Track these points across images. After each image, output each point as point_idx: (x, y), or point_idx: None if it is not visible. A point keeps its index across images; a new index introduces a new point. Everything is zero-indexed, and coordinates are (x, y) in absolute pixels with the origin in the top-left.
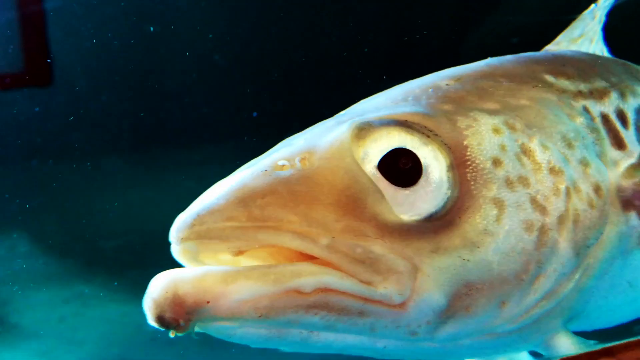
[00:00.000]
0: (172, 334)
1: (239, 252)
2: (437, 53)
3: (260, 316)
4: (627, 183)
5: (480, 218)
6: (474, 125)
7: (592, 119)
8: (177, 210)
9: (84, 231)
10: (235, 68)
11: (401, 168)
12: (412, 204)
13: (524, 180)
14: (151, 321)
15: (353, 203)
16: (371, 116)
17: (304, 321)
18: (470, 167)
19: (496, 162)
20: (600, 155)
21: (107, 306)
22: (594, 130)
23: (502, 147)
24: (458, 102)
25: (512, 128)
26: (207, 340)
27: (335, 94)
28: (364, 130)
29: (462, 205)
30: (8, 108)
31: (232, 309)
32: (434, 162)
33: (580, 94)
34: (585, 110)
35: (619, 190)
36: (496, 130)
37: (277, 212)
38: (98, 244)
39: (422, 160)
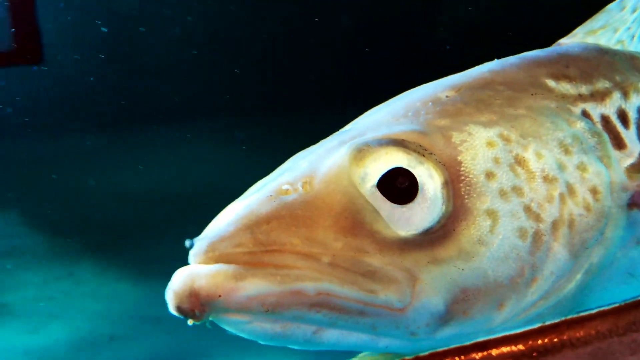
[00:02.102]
0: (190, 322)
1: None
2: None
3: (266, 310)
4: (629, 182)
5: (474, 229)
6: (468, 140)
7: (593, 123)
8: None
9: (75, 210)
10: (219, 47)
11: (398, 186)
12: (408, 220)
13: (517, 190)
14: (171, 310)
15: (351, 223)
16: (371, 135)
17: (308, 317)
18: (464, 182)
19: (489, 175)
20: (602, 158)
21: (97, 285)
22: (595, 134)
23: (496, 160)
24: (455, 116)
25: (506, 140)
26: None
27: (314, 73)
28: (362, 151)
29: (457, 218)
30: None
31: (241, 303)
32: (429, 180)
33: (580, 98)
34: (585, 114)
35: (622, 190)
36: (490, 144)
37: (280, 236)
38: (88, 223)
39: (418, 179)
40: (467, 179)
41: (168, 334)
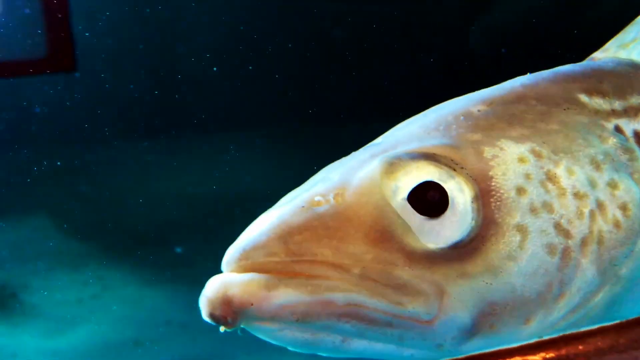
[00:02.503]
0: (221, 329)
1: None
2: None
3: (297, 319)
4: None
5: (503, 244)
6: (500, 155)
7: (625, 139)
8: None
9: (106, 215)
10: (259, 56)
11: (429, 200)
12: (438, 233)
13: (547, 206)
14: (205, 316)
15: (381, 235)
16: (402, 149)
17: (337, 327)
18: (495, 197)
19: (520, 191)
20: (633, 174)
21: (124, 289)
22: (627, 150)
23: (527, 176)
24: (487, 131)
25: (538, 156)
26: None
27: (346, 84)
28: (394, 165)
29: (487, 232)
30: (33, 94)
31: (272, 312)
32: (459, 194)
33: (613, 113)
34: (618, 129)
35: None
36: (521, 160)
37: (312, 247)
38: (119, 228)
39: (449, 193)
40: (498, 194)
41: (193, 340)
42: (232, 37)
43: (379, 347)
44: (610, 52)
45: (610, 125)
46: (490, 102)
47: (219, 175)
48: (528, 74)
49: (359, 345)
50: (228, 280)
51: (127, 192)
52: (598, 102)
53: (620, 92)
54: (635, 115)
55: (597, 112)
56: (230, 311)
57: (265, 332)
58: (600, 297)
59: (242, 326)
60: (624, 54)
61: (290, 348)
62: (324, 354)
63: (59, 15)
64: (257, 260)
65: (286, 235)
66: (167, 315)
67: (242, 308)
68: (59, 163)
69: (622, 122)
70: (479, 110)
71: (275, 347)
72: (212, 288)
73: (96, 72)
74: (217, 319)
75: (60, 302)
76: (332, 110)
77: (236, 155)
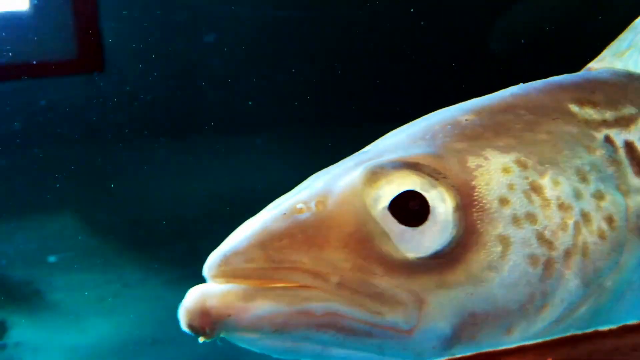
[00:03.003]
0: (200, 340)
1: None
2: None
3: (275, 330)
4: None
5: (484, 255)
6: (483, 164)
7: (614, 150)
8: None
9: (130, 214)
10: (282, 57)
11: (410, 209)
12: (418, 242)
13: (531, 217)
14: (183, 327)
15: (361, 244)
16: (387, 157)
17: (316, 337)
18: (477, 207)
19: (503, 201)
20: (620, 185)
21: (145, 288)
22: (615, 162)
23: (511, 187)
24: (473, 140)
25: (523, 166)
26: None
27: (368, 89)
28: (376, 174)
29: (468, 242)
30: (62, 94)
31: (250, 322)
32: (441, 203)
33: (604, 124)
34: (608, 140)
35: (639, 217)
36: (506, 170)
37: (291, 255)
38: (142, 227)
39: (430, 202)
40: (480, 204)
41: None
42: (253, 42)
43: (360, 356)
44: (605, 62)
45: (600, 135)
46: (479, 112)
47: (241, 176)
48: (520, 84)
49: (339, 353)
50: (207, 291)
51: (151, 191)
52: (589, 112)
53: (612, 102)
54: (627, 125)
55: (587, 122)
56: (209, 322)
57: (245, 341)
58: (584, 309)
59: (222, 336)
60: (619, 64)
61: (273, 355)
62: None
63: (89, 17)
64: (236, 266)
65: (266, 242)
66: None
67: (219, 319)
68: (84, 162)
69: (613, 133)
70: (466, 120)
71: None
72: (191, 299)
73: (122, 74)
74: (196, 330)
75: (82, 299)
76: (350, 112)
77: (259, 156)
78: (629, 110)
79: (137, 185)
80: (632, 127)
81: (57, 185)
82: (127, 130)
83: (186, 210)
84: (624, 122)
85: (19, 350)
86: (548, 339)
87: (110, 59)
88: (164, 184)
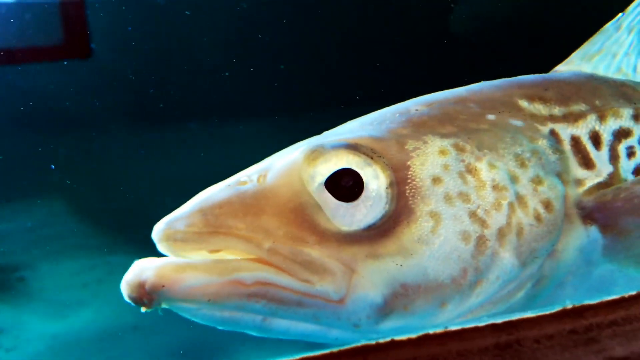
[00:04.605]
0: (142, 309)
1: (215, 251)
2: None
3: (208, 300)
4: (588, 199)
5: (415, 229)
6: (421, 147)
7: (558, 141)
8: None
9: (116, 201)
10: (271, 45)
11: (344, 185)
12: (352, 216)
13: (463, 196)
14: (126, 298)
15: (294, 214)
16: (332, 139)
17: (248, 307)
18: (410, 185)
19: (436, 180)
20: (561, 174)
21: None
22: (557, 151)
23: (445, 167)
24: (416, 127)
25: (460, 150)
26: None
27: (365, 74)
28: (315, 152)
29: (400, 217)
30: (49, 80)
31: (184, 293)
32: (374, 180)
33: (550, 118)
34: (553, 133)
35: (579, 205)
36: (442, 152)
37: (228, 220)
38: (128, 213)
39: (364, 179)
40: (413, 182)
41: (190, 326)
42: (244, 26)
43: (302, 327)
44: (573, 65)
45: (545, 129)
46: (431, 104)
47: (229, 163)
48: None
49: (281, 324)
50: (144, 265)
51: (138, 178)
52: (537, 108)
53: (563, 99)
54: (575, 121)
55: (534, 116)
56: (145, 293)
57: (185, 311)
58: (523, 293)
59: (163, 306)
60: (588, 67)
61: (218, 327)
62: (253, 333)
63: (75, 3)
64: (178, 230)
65: (206, 209)
66: None
67: (155, 290)
68: (71, 149)
69: (559, 127)
70: (416, 110)
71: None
72: (131, 272)
73: (110, 60)
74: (135, 300)
75: (66, 285)
76: (347, 97)
77: (249, 144)
78: (579, 107)
79: (123, 172)
80: (580, 123)
81: (44, 172)
82: (115, 117)
83: (174, 197)
84: (572, 118)
85: (0, 337)
86: (338, 349)
87: (97, 46)
88: (150, 170)
